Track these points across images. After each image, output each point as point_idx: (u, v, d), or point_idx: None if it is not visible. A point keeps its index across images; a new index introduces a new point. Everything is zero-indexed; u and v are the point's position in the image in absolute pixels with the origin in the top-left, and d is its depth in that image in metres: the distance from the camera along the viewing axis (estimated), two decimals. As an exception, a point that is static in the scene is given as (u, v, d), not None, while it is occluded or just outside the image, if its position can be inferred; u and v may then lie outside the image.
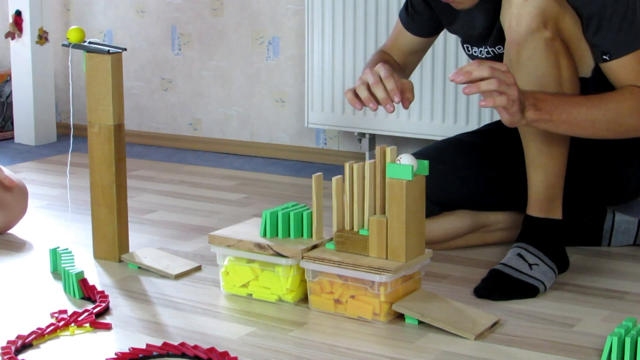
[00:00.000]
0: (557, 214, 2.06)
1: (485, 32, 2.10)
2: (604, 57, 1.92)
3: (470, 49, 2.19)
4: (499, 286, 1.97)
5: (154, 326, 1.84)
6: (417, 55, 2.32)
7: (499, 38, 2.05)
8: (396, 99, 1.90)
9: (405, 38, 2.28)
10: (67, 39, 2.14)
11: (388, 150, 1.85)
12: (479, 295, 1.97)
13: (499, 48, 2.08)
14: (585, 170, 2.17)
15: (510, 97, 1.78)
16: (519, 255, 2.02)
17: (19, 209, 2.36)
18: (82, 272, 1.99)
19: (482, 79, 1.76)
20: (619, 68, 1.93)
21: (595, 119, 1.89)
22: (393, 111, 1.91)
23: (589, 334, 1.79)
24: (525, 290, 1.97)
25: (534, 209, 2.06)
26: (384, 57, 2.25)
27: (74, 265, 2.05)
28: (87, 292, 1.96)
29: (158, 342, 1.71)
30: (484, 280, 2.00)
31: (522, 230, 2.08)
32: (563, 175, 2.04)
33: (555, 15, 1.91)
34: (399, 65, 2.26)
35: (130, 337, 1.77)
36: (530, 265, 2.00)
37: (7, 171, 2.40)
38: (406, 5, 2.25)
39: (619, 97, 1.91)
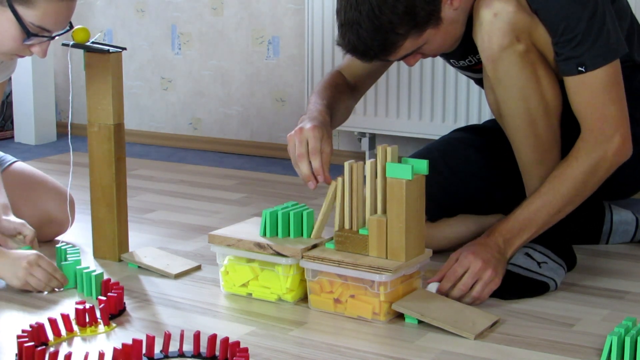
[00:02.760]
0: None
1: (462, 46, 2.09)
2: (580, 68, 1.89)
3: (456, 62, 2.18)
4: (508, 285, 1.97)
5: (153, 325, 1.84)
6: (371, 78, 2.26)
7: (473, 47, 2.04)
8: (320, 179, 1.89)
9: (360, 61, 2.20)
10: (72, 38, 2.14)
11: (389, 149, 1.85)
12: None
13: (478, 56, 2.08)
14: None
15: (488, 280, 1.90)
16: (527, 254, 2.02)
17: (69, 221, 2.35)
18: (102, 274, 2.00)
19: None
20: (578, 92, 1.90)
21: (560, 209, 1.95)
22: (315, 188, 1.90)
23: (589, 333, 1.79)
24: (536, 287, 1.97)
25: None
26: (336, 80, 2.18)
27: (80, 263, 2.06)
28: (105, 290, 1.95)
29: (158, 342, 1.71)
30: None
31: None
32: None
33: (527, 27, 1.90)
34: (349, 88, 2.21)
35: (130, 336, 1.76)
36: (539, 263, 2.00)
37: (56, 182, 2.40)
38: None
39: (570, 173, 1.92)
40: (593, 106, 1.91)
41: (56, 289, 2.01)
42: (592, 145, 1.92)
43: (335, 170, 1.94)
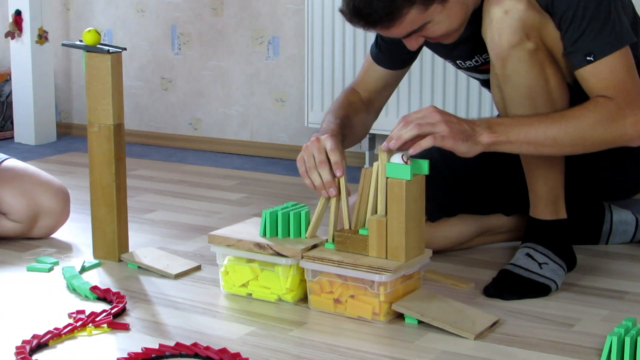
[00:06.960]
0: (562, 214, 2.06)
1: (470, 45, 2.08)
2: (588, 58, 1.86)
3: (463, 64, 2.17)
4: (509, 286, 1.97)
5: (153, 326, 1.84)
6: (386, 90, 2.26)
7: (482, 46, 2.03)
8: (338, 173, 1.87)
9: (375, 72, 2.22)
10: (82, 41, 2.13)
11: (384, 154, 1.84)
12: (489, 295, 1.97)
13: (485, 56, 2.07)
14: (570, 172, 2.14)
15: (440, 134, 1.79)
16: (528, 255, 2.02)
17: (63, 214, 2.35)
18: (88, 283, 2.00)
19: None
20: (596, 73, 1.87)
21: (556, 136, 1.84)
22: (335, 194, 1.89)
23: (589, 333, 1.79)
24: (537, 289, 1.97)
25: (539, 212, 2.06)
26: (350, 98, 2.18)
27: (75, 271, 2.05)
28: (102, 294, 1.95)
29: (157, 342, 1.71)
30: (494, 280, 2.00)
31: (528, 231, 2.08)
32: (562, 176, 2.04)
33: (537, 25, 1.89)
34: (364, 105, 2.21)
35: (130, 336, 1.77)
36: (540, 264, 2.00)
37: (49, 176, 2.40)
38: (376, 39, 2.21)
39: (581, 112, 1.85)
40: (612, 87, 1.86)
41: None
42: (614, 105, 1.85)
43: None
